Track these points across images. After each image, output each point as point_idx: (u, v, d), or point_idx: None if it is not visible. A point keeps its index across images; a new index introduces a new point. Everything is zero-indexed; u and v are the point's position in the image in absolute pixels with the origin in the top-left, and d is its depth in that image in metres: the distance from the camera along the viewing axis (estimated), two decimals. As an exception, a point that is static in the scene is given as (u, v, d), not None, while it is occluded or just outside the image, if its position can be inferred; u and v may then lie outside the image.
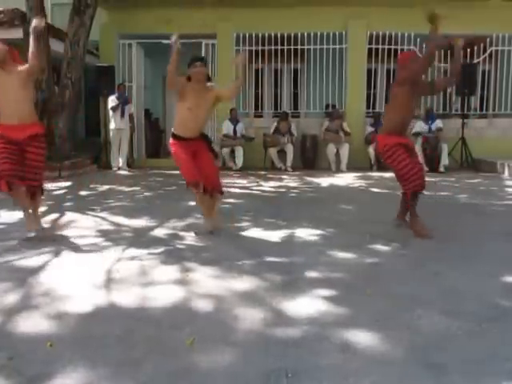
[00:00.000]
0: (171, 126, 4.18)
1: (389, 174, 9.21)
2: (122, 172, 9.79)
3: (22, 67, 4.05)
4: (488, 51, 10.45)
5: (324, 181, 8.32)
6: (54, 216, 5.10)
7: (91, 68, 10.66)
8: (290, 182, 8.30)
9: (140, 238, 4.18)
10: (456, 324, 2.42)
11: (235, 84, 4.51)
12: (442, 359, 2.07)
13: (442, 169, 9.62)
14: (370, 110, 10.78)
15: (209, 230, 4.33)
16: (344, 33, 10.55)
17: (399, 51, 10.53)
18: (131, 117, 10.16)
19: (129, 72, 10.86)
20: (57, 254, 3.69)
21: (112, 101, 9.81)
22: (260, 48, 10.74)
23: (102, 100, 10.53)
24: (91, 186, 7.52)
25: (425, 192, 4.33)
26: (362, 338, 2.28)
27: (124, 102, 9.82)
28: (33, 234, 4.11)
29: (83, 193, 6.86)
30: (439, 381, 1.92)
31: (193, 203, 6.08)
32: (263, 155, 10.39)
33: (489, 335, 2.31)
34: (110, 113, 9.91)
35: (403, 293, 2.88)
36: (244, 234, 4.39)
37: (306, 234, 4.35)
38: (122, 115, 9.83)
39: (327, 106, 11.07)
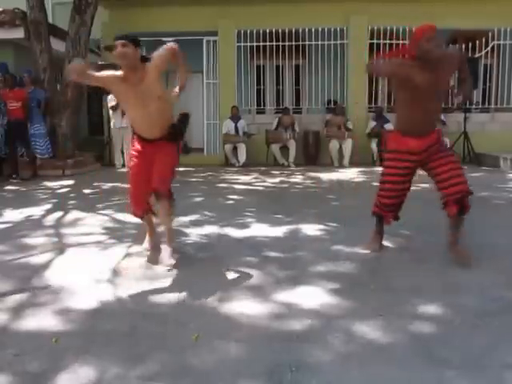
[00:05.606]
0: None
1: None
2: (125, 170, 9.80)
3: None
4: (490, 45, 10.41)
5: (327, 176, 8.33)
6: (57, 214, 5.12)
7: (94, 66, 10.66)
8: (293, 177, 8.31)
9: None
10: (458, 317, 2.43)
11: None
12: (444, 352, 2.08)
13: (444, 163, 9.61)
14: (373, 105, 10.76)
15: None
16: (345, 28, 10.54)
17: (401, 46, 10.55)
18: None
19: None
20: (62, 251, 3.72)
21: (111, 100, 9.79)
22: (261, 44, 10.74)
23: (104, 98, 10.54)
24: (95, 184, 7.54)
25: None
26: (365, 331, 2.29)
27: None
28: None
29: (87, 191, 6.89)
30: (441, 373, 1.93)
31: (197, 199, 6.10)
32: (266, 151, 10.40)
33: (491, 329, 2.32)
34: (110, 112, 9.90)
35: (406, 287, 2.89)
36: (248, 229, 4.40)
37: (310, 228, 4.36)
38: (123, 113, 9.82)
39: (329, 102, 11.06)
